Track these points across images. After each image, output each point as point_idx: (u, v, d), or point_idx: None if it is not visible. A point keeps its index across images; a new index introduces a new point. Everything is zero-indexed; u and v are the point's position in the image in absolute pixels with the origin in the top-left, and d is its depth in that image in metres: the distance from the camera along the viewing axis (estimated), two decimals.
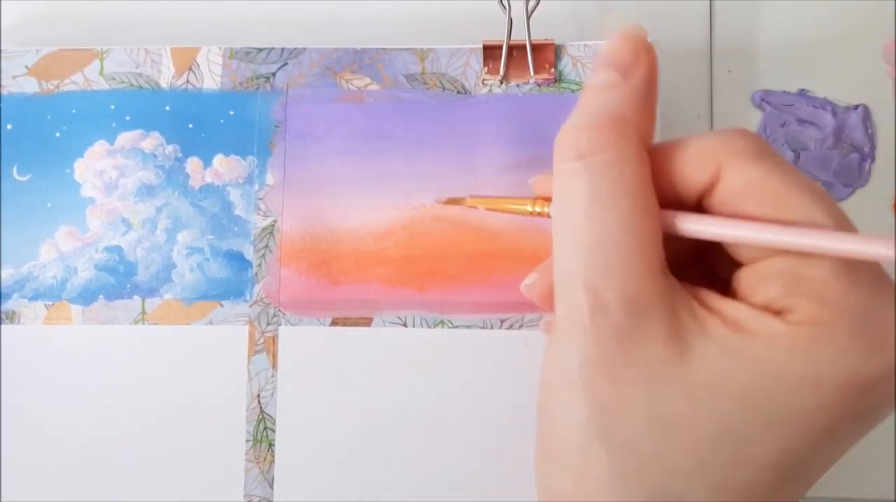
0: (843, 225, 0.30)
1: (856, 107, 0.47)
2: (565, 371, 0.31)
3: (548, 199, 0.35)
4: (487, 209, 0.39)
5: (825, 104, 0.47)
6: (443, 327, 0.42)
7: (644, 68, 0.32)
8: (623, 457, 0.30)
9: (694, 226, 0.31)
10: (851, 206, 0.47)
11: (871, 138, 0.47)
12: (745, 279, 0.31)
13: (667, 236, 0.31)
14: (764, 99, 0.47)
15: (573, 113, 0.32)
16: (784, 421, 0.29)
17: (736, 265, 0.32)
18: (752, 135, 0.31)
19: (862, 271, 0.30)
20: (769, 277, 0.30)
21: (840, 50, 0.47)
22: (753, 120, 0.47)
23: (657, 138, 0.43)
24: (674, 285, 0.31)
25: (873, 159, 0.47)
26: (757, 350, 0.29)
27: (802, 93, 0.47)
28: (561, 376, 0.31)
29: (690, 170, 0.31)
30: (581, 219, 0.30)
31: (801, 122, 0.47)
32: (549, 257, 0.33)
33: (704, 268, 0.34)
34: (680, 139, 0.32)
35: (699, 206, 0.32)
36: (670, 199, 0.32)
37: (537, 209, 0.36)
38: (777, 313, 0.30)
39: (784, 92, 0.47)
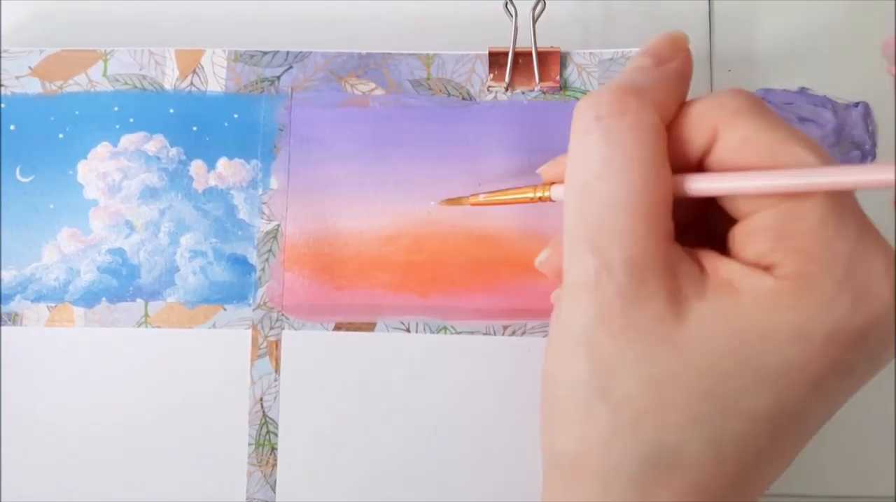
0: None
1: (856, 104, 0.47)
2: (570, 332, 0.32)
3: (549, 184, 0.37)
4: (490, 204, 0.40)
5: (825, 102, 0.47)
6: (445, 333, 0.42)
7: (678, 62, 0.34)
8: (622, 413, 0.31)
9: (697, 184, 0.32)
10: None
11: (872, 135, 0.47)
12: (738, 235, 0.32)
13: (675, 202, 0.32)
14: (764, 97, 0.47)
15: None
16: (773, 375, 0.30)
17: (734, 223, 0.33)
18: (744, 94, 0.32)
19: (847, 223, 0.30)
20: (757, 232, 0.31)
21: (840, 47, 0.48)
22: None
23: None
24: (678, 250, 0.32)
25: (874, 157, 0.47)
26: (745, 307, 0.30)
27: (802, 91, 0.47)
28: (566, 337, 0.32)
29: (690, 134, 0.32)
30: (594, 181, 0.31)
31: (802, 120, 0.47)
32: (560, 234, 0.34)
33: (707, 232, 0.35)
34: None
35: (700, 169, 0.33)
36: (674, 166, 0.32)
37: (539, 194, 0.37)
38: (765, 268, 0.31)
39: (784, 90, 0.47)
